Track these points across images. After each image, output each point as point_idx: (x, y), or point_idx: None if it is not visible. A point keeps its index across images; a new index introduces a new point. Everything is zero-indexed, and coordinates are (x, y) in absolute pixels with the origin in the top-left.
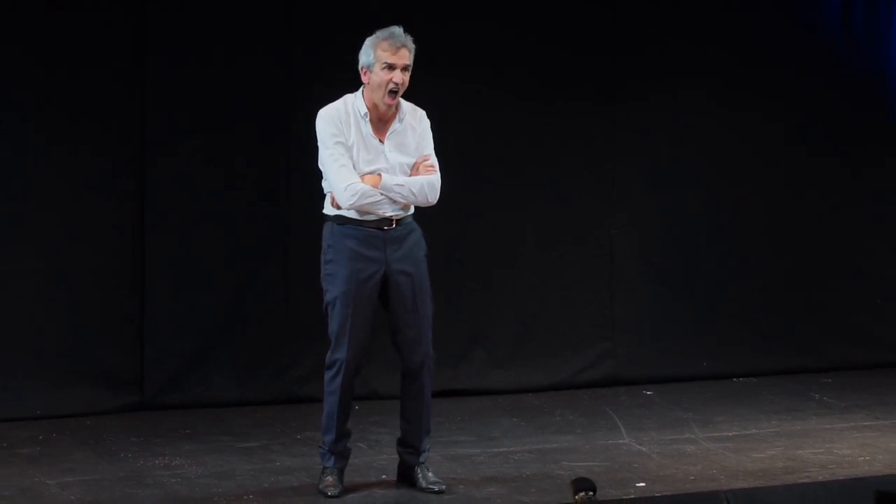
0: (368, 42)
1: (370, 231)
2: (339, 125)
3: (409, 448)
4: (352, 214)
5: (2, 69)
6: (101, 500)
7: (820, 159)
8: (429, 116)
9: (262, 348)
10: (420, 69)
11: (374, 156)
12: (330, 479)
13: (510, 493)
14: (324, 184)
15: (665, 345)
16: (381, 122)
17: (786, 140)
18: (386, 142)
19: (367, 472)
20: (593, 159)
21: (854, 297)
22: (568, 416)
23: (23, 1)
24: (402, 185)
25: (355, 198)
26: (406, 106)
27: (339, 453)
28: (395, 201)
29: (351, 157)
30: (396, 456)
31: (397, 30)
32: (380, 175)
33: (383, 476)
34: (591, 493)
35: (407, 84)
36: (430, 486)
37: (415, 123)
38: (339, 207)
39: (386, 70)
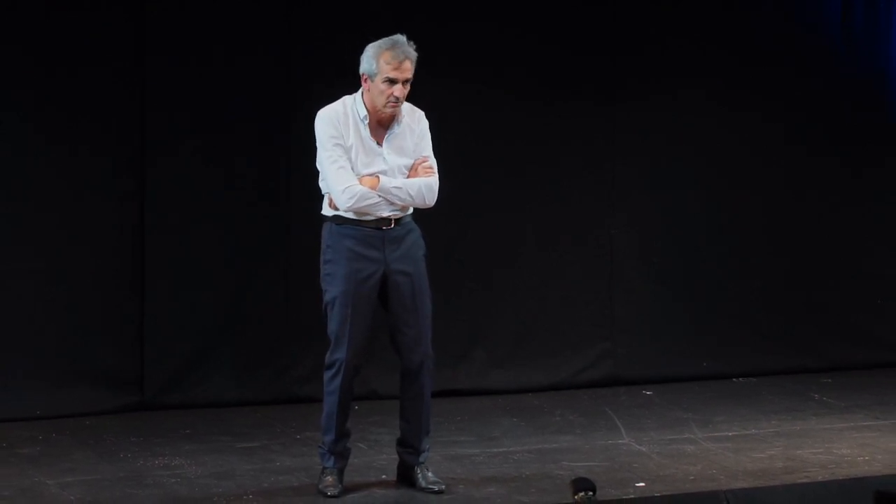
0: (371, 50)
1: (368, 231)
2: (337, 127)
3: (409, 448)
4: (350, 215)
5: (2, 69)
6: (100, 500)
7: (820, 159)
8: (429, 117)
9: (262, 348)
10: (420, 69)
11: (372, 158)
12: (330, 479)
13: (510, 493)
14: (321, 184)
15: (665, 345)
16: (379, 125)
17: (786, 140)
18: (384, 144)
19: (367, 472)
20: (593, 159)
21: (854, 297)
22: (568, 416)
23: (23, 1)
24: (400, 188)
25: (353, 200)
26: (405, 107)
27: (339, 453)
28: (392, 203)
29: (349, 159)
30: (396, 456)
31: (401, 40)
32: (378, 177)
33: (383, 476)
34: (590, 493)
35: (407, 93)
36: (430, 486)
37: (413, 124)
38: (336, 208)
39: (387, 84)
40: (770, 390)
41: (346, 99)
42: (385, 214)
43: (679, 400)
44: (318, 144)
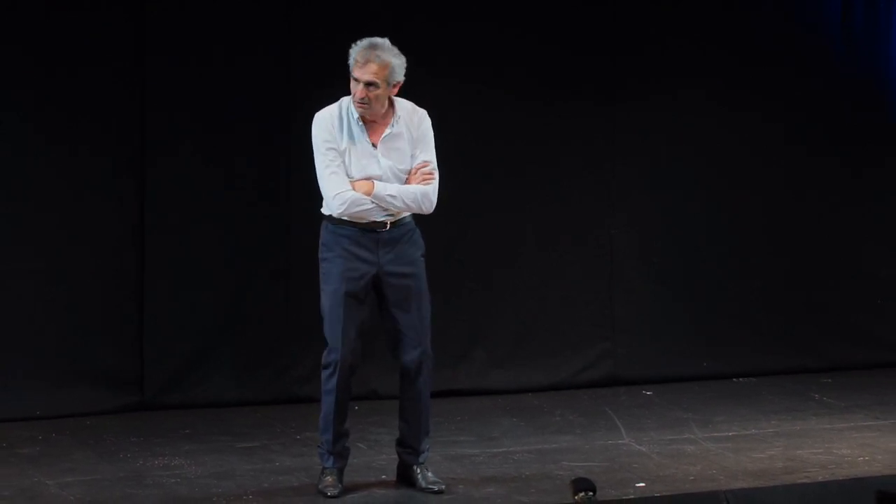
0: (352, 48)
1: (363, 232)
2: (330, 130)
3: (408, 448)
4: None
5: (2, 69)
6: (100, 500)
7: (820, 159)
8: (429, 116)
9: (262, 348)
10: (420, 69)
11: (366, 160)
12: (329, 479)
13: (510, 493)
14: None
15: (665, 345)
16: (375, 125)
17: (786, 140)
18: (379, 146)
19: (367, 472)
20: (593, 159)
21: (854, 297)
22: (568, 416)
23: (23, 1)
24: (395, 196)
25: (344, 206)
26: (405, 107)
27: (338, 453)
28: (386, 209)
29: (343, 163)
30: (396, 456)
31: (379, 42)
32: (373, 183)
33: (383, 476)
34: (590, 493)
35: (381, 97)
36: (430, 486)
37: (412, 126)
38: None
39: (353, 82)
40: (770, 390)
41: (344, 100)
42: (379, 219)
43: (679, 400)
44: (313, 148)
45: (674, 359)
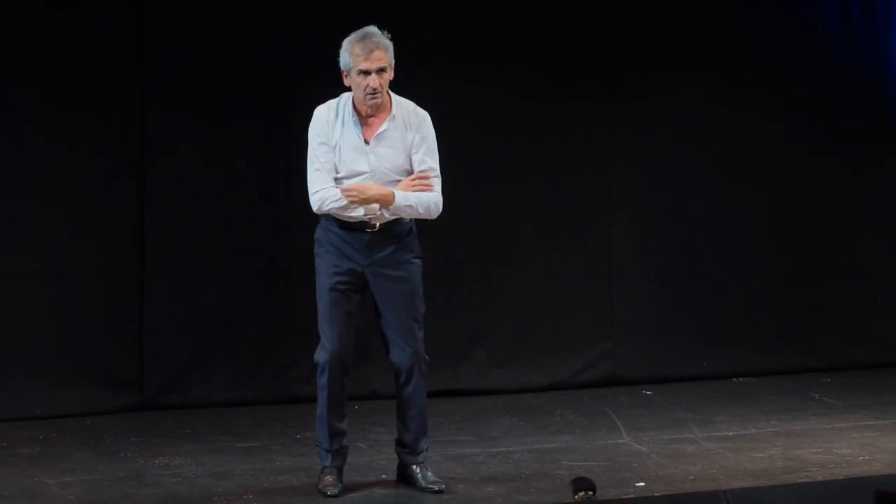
0: (345, 44)
1: (350, 232)
2: (324, 126)
3: (407, 448)
4: (334, 213)
5: (2, 69)
6: (100, 500)
7: (820, 159)
8: (430, 117)
9: (262, 348)
10: (420, 69)
11: (356, 156)
12: (329, 478)
13: (510, 492)
14: None
15: (665, 345)
16: (370, 120)
17: (786, 140)
18: (372, 142)
19: (367, 472)
20: (593, 159)
21: (854, 297)
22: (568, 416)
23: (23, 1)
24: (413, 206)
25: (318, 204)
26: (404, 106)
27: (336, 452)
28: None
29: (332, 159)
30: (396, 456)
31: (371, 31)
32: (392, 193)
33: (383, 476)
34: (590, 492)
35: (388, 81)
36: (430, 486)
37: (411, 127)
38: None
39: (362, 76)
40: (770, 390)
41: (344, 96)
42: (364, 217)
43: (679, 400)
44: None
45: (674, 359)
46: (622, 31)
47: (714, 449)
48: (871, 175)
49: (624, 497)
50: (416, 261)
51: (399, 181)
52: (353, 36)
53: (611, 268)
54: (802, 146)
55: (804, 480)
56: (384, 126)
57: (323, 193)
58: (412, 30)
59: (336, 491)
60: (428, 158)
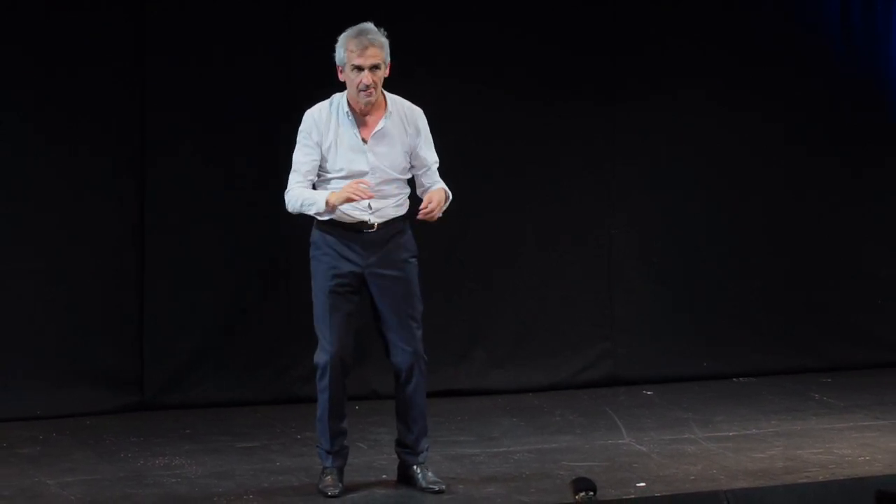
0: (340, 39)
1: (349, 233)
2: (316, 126)
3: (407, 448)
4: (326, 215)
5: (2, 69)
6: (100, 500)
7: (820, 159)
8: (429, 117)
9: (262, 348)
10: (420, 69)
11: (354, 156)
12: (329, 478)
13: (510, 493)
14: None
15: (665, 345)
16: (366, 119)
17: (786, 140)
18: (370, 141)
19: (367, 472)
20: (593, 159)
21: (854, 297)
22: (568, 416)
23: (23, 1)
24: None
25: (286, 199)
26: (398, 103)
27: (337, 453)
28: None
29: (316, 161)
30: (396, 456)
31: (367, 27)
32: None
33: (383, 476)
34: (591, 492)
35: (382, 78)
36: (430, 486)
37: (407, 123)
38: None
39: (355, 72)
40: (770, 390)
41: (336, 95)
42: (367, 219)
43: (679, 400)
44: None
45: (674, 359)
46: (622, 31)
47: (714, 449)
48: (871, 175)
49: (624, 497)
50: (413, 260)
51: (399, 179)
52: (348, 31)
53: (611, 268)
54: (802, 146)
55: (805, 481)
56: (381, 124)
57: (286, 194)
58: (412, 29)
59: (336, 491)
60: (428, 153)
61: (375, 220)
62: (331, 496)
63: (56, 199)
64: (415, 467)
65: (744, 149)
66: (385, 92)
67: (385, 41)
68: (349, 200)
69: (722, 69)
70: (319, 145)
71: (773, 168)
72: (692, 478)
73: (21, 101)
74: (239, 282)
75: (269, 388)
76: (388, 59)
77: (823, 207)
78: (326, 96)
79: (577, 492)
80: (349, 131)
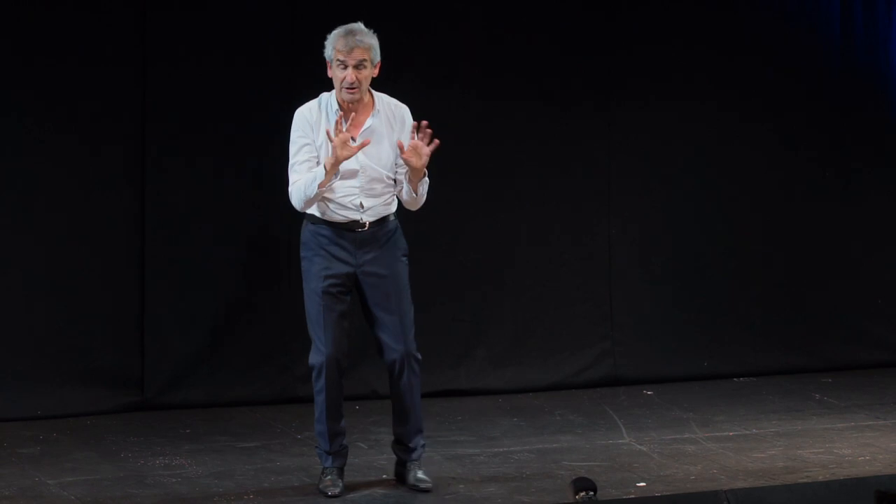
0: (330, 36)
1: (341, 232)
2: (305, 126)
3: (401, 446)
4: (321, 214)
5: (2, 69)
6: (101, 500)
7: (819, 159)
8: (427, 117)
9: (262, 348)
10: (419, 69)
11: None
12: (329, 478)
13: (510, 492)
14: None
15: (665, 345)
16: (354, 118)
17: (785, 140)
18: (358, 139)
19: (368, 472)
20: (592, 159)
21: (854, 297)
22: (568, 415)
23: (23, 1)
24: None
25: (296, 196)
26: (385, 101)
27: (336, 452)
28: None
29: (315, 157)
30: (393, 453)
31: (356, 27)
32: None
33: (383, 476)
34: (591, 492)
35: (368, 78)
36: (416, 484)
37: (394, 121)
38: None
39: (340, 67)
40: (770, 390)
41: (324, 95)
42: (358, 218)
43: (679, 400)
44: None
45: (674, 359)
46: (622, 31)
47: (715, 449)
48: (870, 175)
49: (625, 497)
50: (404, 259)
51: (388, 176)
52: (338, 30)
53: (610, 268)
54: (802, 146)
55: (805, 480)
56: (369, 122)
57: (297, 184)
58: (412, 30)
59: (336, 491)
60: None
61: (367, 218)
62: (331, 496)
63: (56, 199)
64: (407, 464)
65: (743, 149)
66: (373, 91)
67: (374, 42)
68: (338, 160)
69: (721, 69)
70: (314, 142)
71: (772, 167)
72: (692, 478)
73: (21, 101)
74: (239, 282)
75: (269, 388)
76: (377, 60)
77: (823, 207)
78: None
79: (577, 492)
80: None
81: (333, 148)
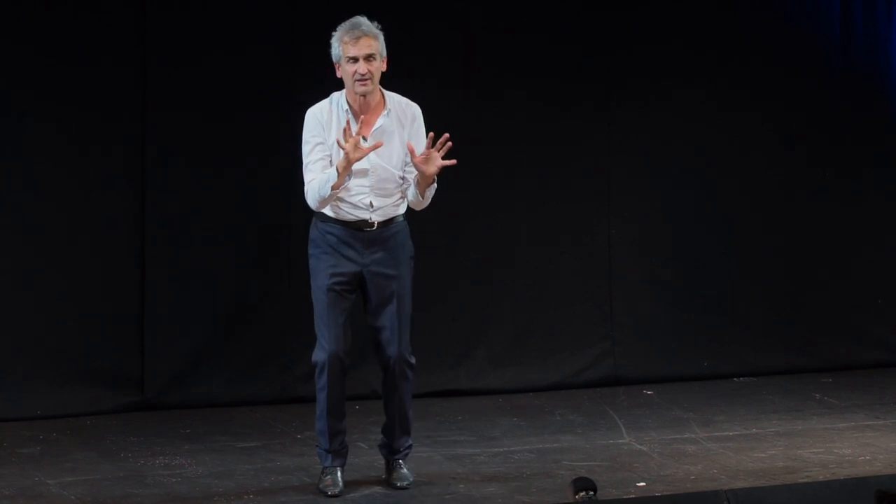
0: (334, 36)
1: (349, 231)
2: (316, 125)
3: (387, 446)
4: (330, 213)
5: (2, 69)
6: (101, 500)
7: (819, 159)
8: (426, 117)
9: (262, 348)
10: (419, 69)
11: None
12: (329, 478)
13: (510, 492)
14: None
15: (665, 345)
16: (365, 117)
17: (784, 140)
18: (369, 139)
19: (368, 472)
20: (592, 159)
21: (854, 297)
22: (568, 415)
23: (24, 0)
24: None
25: (312, 195)
26: (396, 101)
27: (336, 452)
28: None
29: (328, 156)
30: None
31: (359, 21)
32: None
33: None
34: (591, 492)
35: (379, 70)
36: (394, 482)
37: (405, 121)
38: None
39: (350, 63)
40: (770, 390)
41: (335, 94)
42: (367, 217)
43: (679, 400)
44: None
45: (674, 359)
46: (621, 30)
47: (715, 449)
48: (870, 175)
49: (625, 497)
50: (411, 261)
51: (398, 177)
52: (342, 25)
53: (611, 268)
54: (802, 146)
55: (805, 480)
56: (380, 122)
57: (312, 184)
58: (413, 30)
59: (336, 491)
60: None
61: (376, 218)
62: (331, 496)
63: (56, 199)
64: (391, 463)
65: (743, 149)
66: (384, 90)
67: (379, 33)
68: (350, 162)
69: (721, 69)
70: (326, 140)
71: (773, 168)
72: (692, 477)
73: (21, 101)
74: (239, 282)
75: (269, 387)
76: (384, 53)
77: (823, 207)
78: (327, 96)
79: (577, 491)
80: (352, 129)
81: (345, 152)
